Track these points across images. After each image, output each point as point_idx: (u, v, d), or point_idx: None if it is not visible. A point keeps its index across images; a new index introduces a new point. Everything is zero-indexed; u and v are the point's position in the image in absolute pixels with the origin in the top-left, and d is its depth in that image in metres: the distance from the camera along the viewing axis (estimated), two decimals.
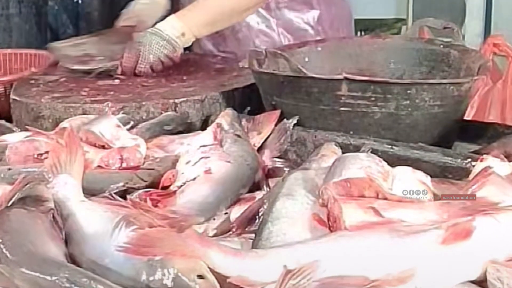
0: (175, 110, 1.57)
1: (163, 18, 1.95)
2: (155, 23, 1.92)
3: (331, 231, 0.97)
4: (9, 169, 1.24)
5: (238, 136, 1.36)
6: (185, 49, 2.00)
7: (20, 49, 2.23)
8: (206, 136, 1.35)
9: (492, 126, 1.64)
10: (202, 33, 1.92)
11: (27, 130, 1.46)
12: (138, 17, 2.05)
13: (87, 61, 1.91)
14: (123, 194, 1.17)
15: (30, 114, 1.62)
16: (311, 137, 1.40)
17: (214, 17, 1.92)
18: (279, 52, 1.52)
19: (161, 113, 1.56)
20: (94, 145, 1.35)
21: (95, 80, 1.82)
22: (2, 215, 0.97)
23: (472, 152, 1.33)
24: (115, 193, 1.16)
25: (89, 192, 1.11)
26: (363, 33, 4.04)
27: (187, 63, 1.99)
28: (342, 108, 1.41)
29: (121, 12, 2.09)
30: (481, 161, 1.15)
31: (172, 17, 1.90)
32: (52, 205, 1.02)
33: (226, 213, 1.12)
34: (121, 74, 1.86)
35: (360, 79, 1.40)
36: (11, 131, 1.53)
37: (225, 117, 1.42)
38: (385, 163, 1.13)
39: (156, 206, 1.12)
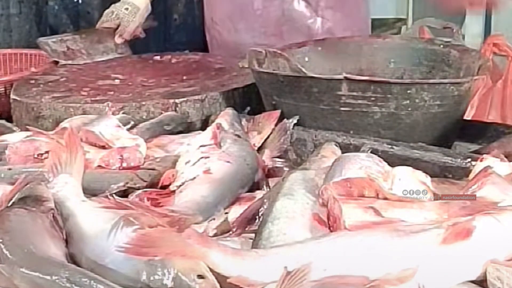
0: (175, 110, 1.57)
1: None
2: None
3: (331, 231, 0.97)
4: (9, 169, 1.24)
5: (238, 136, 1.36)
6: (193, 48, 2.09)
7: (20, 49, 2.24)
8: (206, 136, 1.35)
9: (492, 126, 1.65)
10: None
11: (27, 130, 1.46)
12: (120, 20, 2.11)
13: (70, 55, 2.08)
14: (123, 194, 1.17)
15: (30, 114, 1.62)
16: (311, 137, 1.41)
17: None
18: (279, 52, 1.52)
19: (161, 113, 1.56)
20: (94, 145, 1.35)
21: (95, 80, 1.82)
22: (2, 215, 0.97)
23: (472, 152, 1.33)
24: (115, 193, 1.17)
25: (89, 192, 1.11)
26: None
27: (187, 63, 1.99)
28: (342, 108, 1.41)
29: (104, 13, 2.16)
30: (481, 161, 1.15)
31: None
32: (52, 205, 1.02)
33: (226, 213, 1.12)
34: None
35: (360, 79, 1.40)
36: (11, 131, 1.53)
37: (225, 117, 1.43)
38: (385, 163, 1.13)
39: (155, 206, 1.12)
